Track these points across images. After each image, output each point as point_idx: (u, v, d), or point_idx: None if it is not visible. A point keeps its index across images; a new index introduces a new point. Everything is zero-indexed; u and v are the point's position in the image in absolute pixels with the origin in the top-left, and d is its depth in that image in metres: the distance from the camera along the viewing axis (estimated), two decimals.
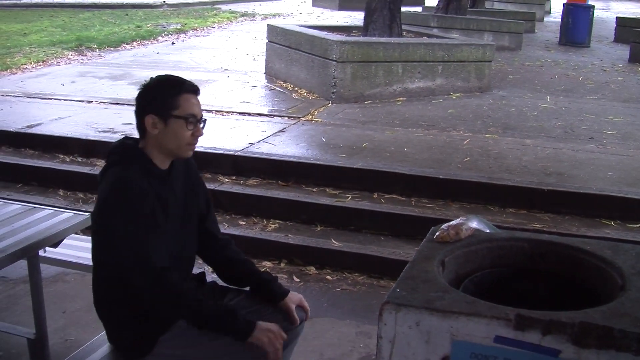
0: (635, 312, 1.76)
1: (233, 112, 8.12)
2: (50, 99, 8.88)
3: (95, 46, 14.13)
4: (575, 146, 6.99)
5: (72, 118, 7.80)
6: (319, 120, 7.82)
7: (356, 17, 19.61)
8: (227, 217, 5.73)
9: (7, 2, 25.04)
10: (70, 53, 13.24)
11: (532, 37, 17.81)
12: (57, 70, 11.33)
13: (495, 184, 5.75)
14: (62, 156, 6.86)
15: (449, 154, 6.54)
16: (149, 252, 2.55)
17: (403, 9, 11.20)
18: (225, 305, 2.83)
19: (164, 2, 26.12)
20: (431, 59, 9.30)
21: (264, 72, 10.96)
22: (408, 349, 1.82)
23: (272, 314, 2.91)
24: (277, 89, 9.70)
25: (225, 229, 5.38)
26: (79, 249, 4.03)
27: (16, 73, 10.95)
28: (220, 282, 3.08)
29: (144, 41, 15.46)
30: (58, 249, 3.68)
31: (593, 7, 17.17)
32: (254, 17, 22.17)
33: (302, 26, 10.90)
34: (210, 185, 5.62)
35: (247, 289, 3.02)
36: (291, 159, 6.32)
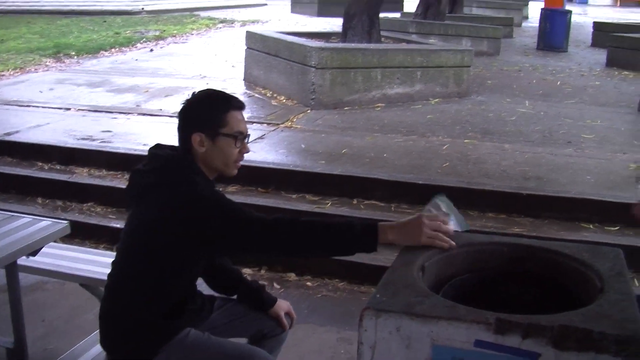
0: (614, 314, 1.78)
1: None
2: (28, 106, 8.84)
3: (74, 53, 14.07)
4: (554, 150, 7.03)
5: (51, 125, 7.76)
6: (298, 126, 7.83)
7: (335, 24, 19.62)
8: None
9: None
10: (48, 60, 13.18)
11: (510, 42, 17.92)
12: (35, 78, 11.27)
13: (474, 189, 5.78)
14: (40, 164, 6.82)
15: (428, 159, 6.57)
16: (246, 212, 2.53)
17: (382, 14, 11.24)
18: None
19: (143, 8, 26.04)
20: (410, 65, 9.33)
21: (242, 78, 10.95)
22: (389, 354, 1.82)
23: (261, 320, 2.92)
24: (256, 95, 9.69)
25: None
26: (58, 257, 3.99)
27: None
28: (207, 291, 3.06)
29: (123, 48, 15.41)
30: (37, 258, 3.65)
31: (570, 12, 17.31)
32: (232, 23, 22.15)
33: (280, 32, 10.90)
34: None
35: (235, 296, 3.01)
36: (270, 166, 6.32)
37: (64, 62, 13.19)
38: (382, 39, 10.81)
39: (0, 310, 4.36)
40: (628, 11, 36.63)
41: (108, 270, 2.71)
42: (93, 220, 5.97)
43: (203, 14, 25.94)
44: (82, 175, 6.57)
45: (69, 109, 8.67)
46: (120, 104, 8.91)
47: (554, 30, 16.63)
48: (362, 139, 7.29)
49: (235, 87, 10.42)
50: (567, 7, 18.57)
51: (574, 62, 14.62)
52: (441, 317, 1.77)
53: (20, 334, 3.48)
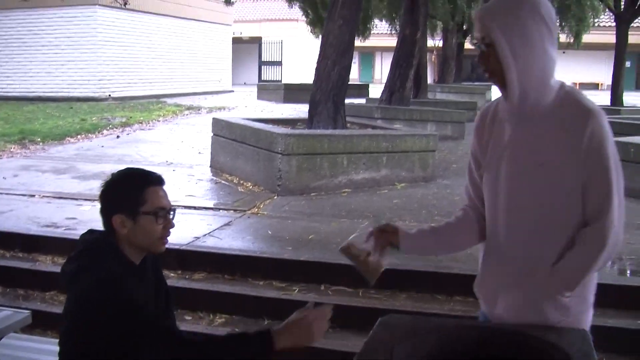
0: None
1: (179, 205, 8.05)
2: None
3: (39, 139, 14.06)
4: None
5: (14, 212, 7.67)
6: (265, 213, 7.83)
7: (301, 110, 19.89)
8: None
9: None
10: (13, 146, 13.14)
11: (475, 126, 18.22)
12: None
13: (441, 272, 5.78)
14: (2, 251, 6.70)
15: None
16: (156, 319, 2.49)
17: (347, 100, 11.41)
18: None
19: (109, 95, 26.21)
20: (375, 150, 9.43)
21: (209, 165, 10.99)
22: None
23: None
24: (223, 182, 9.72)
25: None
26: (18, 348, 3.90)
27: None
28: None
29: (89, 134, 15.43)
30: None
31: None
32: (199, 110, 22.35)
33: (247, 119, 11.01)
34: None
35: None
36: (237, 253, 6.29)
37: (29, 148, 13.16)
38: (348, 125, 10.96)
39: None
40: (587, 94, 37.48)
41: None
42: (56, 310, 5.84)
43: (170, 100, 26.17)
44: (46, 263, 6.46)
45: (33, 195, 8.60)
46: (85, 190, 8.85)
47: None
48: (329, 224, 7.30)
49: (202, 173, 10.45)
50: None
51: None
52: None
53: None
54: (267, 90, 30.13)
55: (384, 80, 18.54)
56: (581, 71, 44.97)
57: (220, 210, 7.91)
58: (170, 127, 17.45)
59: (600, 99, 30.23)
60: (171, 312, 2.96)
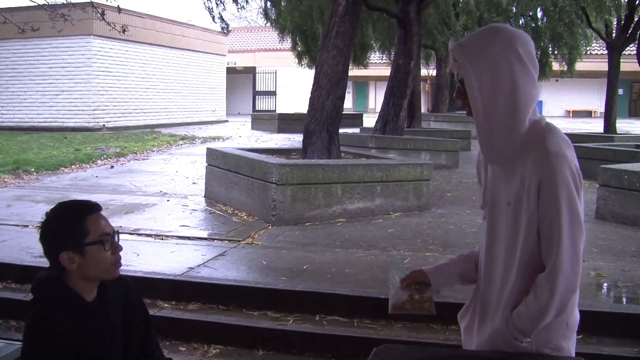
0: None
1: (173, 236, 8.05)
2: None
3: (33, 169, 14.05)
4: None
5: (7, 243, 7.64)
6: (260, 243, 7.80)
7: (295, 139, 19.95)
8: (167, 343, 5.59)
9: None
10: (7, 177, 13.12)
11: (469, 155, 18.26)
12: None
13: (437, 302, 5.73)
14: None
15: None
16: None
17: (341, 130, 11.44)
18: None
19: (104, 125, 26.26)
20: (370, 180, 9.44)
21: (203, 195, 10.97)
22: None
23: None
24: (217, 212, 9.70)
25: (165, 355, 5.23)
26: None
27: None
28: None
29: (83, 165, 15.43)
30: None
31: None
32: (193, 140, 22.39)
33: (241, 149, 11.02)
34: (149, 311, 5.49)
35: None
36: (231, 283, 6.26)
37: (22, 178, 13.14)
38: (342, 155, 10.97)
39: None
40: (580, 121, 37.83)
41: None
42: None
43: (164, 130, 26.24)
44: None
45: (26, 226, 8.56)
46: None
47: None
48: (324, 254, 7.28)
49: (196, 203, 10.43)
50: None
51: None
52: None
53: None
54: (261, 120, 30.25)
55: (378, 109, 18.62)
56: (574, 99, 45.29)
57: (215, 241, 7.88)
58: (165, 157, 17.46)
59: (594, 126, 30.46)
60: (151, 339, 2.94)
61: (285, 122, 27.53)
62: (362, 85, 53.76)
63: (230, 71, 42.63)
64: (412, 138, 16.41)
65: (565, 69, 25.86)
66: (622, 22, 20.40)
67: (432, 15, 22.03)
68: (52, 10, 11.81)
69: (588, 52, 29.89)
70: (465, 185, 12.70)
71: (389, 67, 19.02)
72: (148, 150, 18.91)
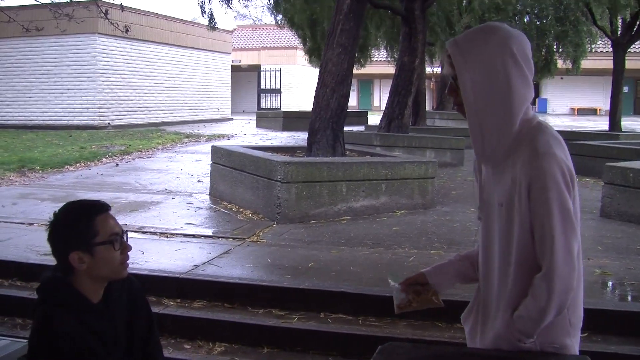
0: None
1: (178, 234, 8.06)
2: None
3: (38, 167, 14.06)
4: None
5: (12, 241, 7.66)
6: (264, 241, 7.80)
7: (300, 137, 19.95)
8: (172, 341, 5.60)
9: None
10: (12, 174, 13.14)
11: (473, 153, 18.23)
12: None
13: (442, 299, 5.74)
14: (0, 280, 6.68)
15: (395, 271, 6.55)
16: None
17: (346, 128, 11.43)
18: None
19: (109, 123, 26.29)
20: (375, 178, 9.43)
21: (208, 193, 10.98)
22: None
23: None
24: (222, 210, 9.70)
25: (170, 353, 5.25)
26: None
27: None
28: None
29: (88, 163, 15.44)
30: None
31: None
32: (198, 138, 22.40)
33: (246, 147, 11.02)
34: (154, 309, 5.46)
35: None
36: (236, 281, 6.26)
37: (28, 176, 13.16)
38: (347, 153, 10.97)
39: None
40: (585, 119, 37.78)
41: None
42: None
43: (169, 129, 26.26)
44: None
45: (32, 224, 8.59)
46: None
47: None
48: (328, 252, 7.28)
49: (201, 201, 10.44)
50: None
51: None
52: None
53: None
54: (266, 118, 30.26)
55: (383, 107, 18.61)
56: (579, 97, 45.26)
57: (220, 239, 7.88)
58: (170, 155, 17.47)
59: (599, 124, 30.41)
60: (153, 342, 2.94)
61: (290, 120, 27.53)
62: (366, 83, 53.76)
63: (235, 69, 42.67)
64: (417, 136, 16.39)
65: (571, 66, 25.82)
66: (628, 19, 20.38)
67: (436, 13, 22.01)
68: (56, 9, 11.79)
69: (593, 50, 29.83)
70: (470, 183, 12.66)
71: (394, 65, 19.01)
72: (153, 148, 18.92)
